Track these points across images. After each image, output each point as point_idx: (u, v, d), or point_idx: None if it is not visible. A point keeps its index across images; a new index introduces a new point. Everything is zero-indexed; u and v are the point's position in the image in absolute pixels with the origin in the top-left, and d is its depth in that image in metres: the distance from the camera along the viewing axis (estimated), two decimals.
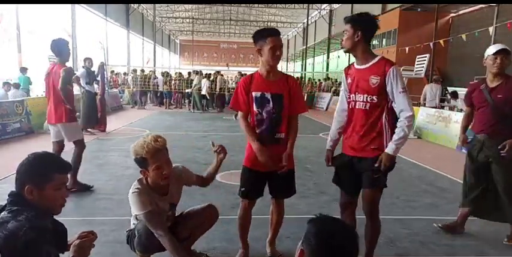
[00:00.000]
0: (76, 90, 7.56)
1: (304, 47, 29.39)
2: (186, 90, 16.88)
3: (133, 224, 2.62)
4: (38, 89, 13.23)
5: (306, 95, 20.31)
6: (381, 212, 2.73)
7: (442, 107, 11.64)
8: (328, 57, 28.17)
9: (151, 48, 31.93)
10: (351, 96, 2.63)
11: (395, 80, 2.46)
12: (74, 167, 4.37)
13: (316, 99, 20.36)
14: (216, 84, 16.73)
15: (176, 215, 2.77)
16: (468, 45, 16.05)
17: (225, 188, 4.80)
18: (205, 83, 16.38)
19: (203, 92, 16.39)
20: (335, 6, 27.12)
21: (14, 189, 1.73)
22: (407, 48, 15.45)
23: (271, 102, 2.74)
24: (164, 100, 17.81)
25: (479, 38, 13.98)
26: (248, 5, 33.28)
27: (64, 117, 4.45)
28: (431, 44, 14.32)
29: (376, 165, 2.48)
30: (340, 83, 22.04)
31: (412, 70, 11.80)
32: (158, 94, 18.30)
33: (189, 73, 18.42)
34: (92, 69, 9.19)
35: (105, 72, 10.42)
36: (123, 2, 25.27)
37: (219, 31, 45.48)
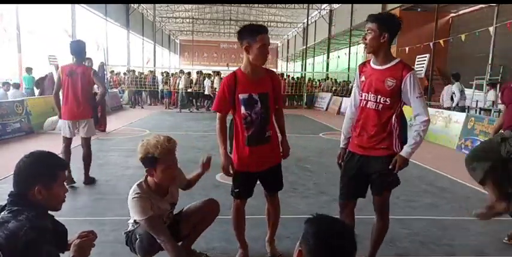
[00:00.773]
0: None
1: (304, 47, 29.35)
2: (187, 90, 16.89)
3: (132, 225, 2.61)
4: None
5: (305, 95, 20.34)
6: None
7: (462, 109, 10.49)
8: (328, 57, 28.14)
9: (151, 48, 31.90)
10: (363, 95, 2.60)
11: (413, 86, 2.45)
12: (89, 161, 4.94)
13: (316, 99, 20.36)
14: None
15: (175, 213, 2.77)
16: (468, 45, 16.03)
17: (225, 188, 4.79)
18: (207, 83, 16.43)
19: (206, 92, 16.43)
20: (335, 6, 27.07)
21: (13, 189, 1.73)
22: (407, 48, 15.43)
23: (259, 103, 2.70)
24: (164, 100, 17.84)
25: (479, 38, 13.96)
26: (248, 5, 33.23)
27: (90, 114, 4.94)
28: (431, 44, 14.30)
29: (390, 167, 2.51)
30: (340, 83, 22.10)
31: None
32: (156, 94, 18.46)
33: (189, 73, 18.47)
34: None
35: (105, 72, 10.42)
36: (123, 2, 25.26)
37: (219, 31, 45.42)
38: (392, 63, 2.52)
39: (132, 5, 27.46)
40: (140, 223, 2.44)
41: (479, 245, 3.38)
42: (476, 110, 12.16)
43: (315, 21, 32.05)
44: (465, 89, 10.76)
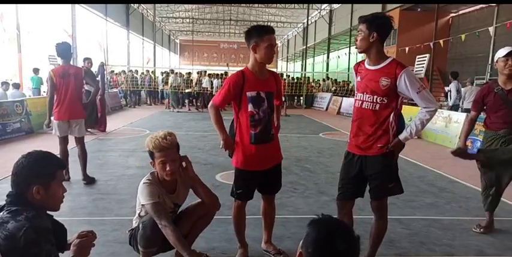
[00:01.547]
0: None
1: (304, 47, 29.36)
2: (186, 91, 16.88)
3: (136, 223, 2.62)
4: (44, 88, 13.24)
5: (305, 95, 20.33)
6: None
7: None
8: (328, 57, 28.15)
9: (151, 48, 31.90)
10: (358, 95, 2.62)
11: (409, 83, 2.44)
12: (85, 159, 5.02)
13: (316, 99, 20.35)
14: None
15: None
16: (468, 45, 16.05)
17: (225, 188, 4.79)
18: (215, 84, 16.57)
19: (214, 92, 16.52)
20: (335, 6, 27.08)
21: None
22: (407, 48, 15.44)
23: (265, 101, 2.75)
24: (164, 100, 17.84)
25: (479, 38, 13.97)
26: (248, 5, 33.24)
27: (83, 114, 5.04)
28: (431, 44, 14.32)
29: (387, 148, 2.53)
30: (339, 83, 22.10)
31: (412, 70, 11.78)
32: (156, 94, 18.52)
33: (189, 73, 18.49)
34: (92, 69, 9.19)
35: (105, 72, 10.42)
36: (123, 2, 25.26)
37: (219, 31, 45.40)
38: (386, 62, 2.54)
39: (132, 5, 27.45)
40: (146, 207, 2.48)
41: (479, 245, 3.37)
42: None
43: (315, 21, 32.07)
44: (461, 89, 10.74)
